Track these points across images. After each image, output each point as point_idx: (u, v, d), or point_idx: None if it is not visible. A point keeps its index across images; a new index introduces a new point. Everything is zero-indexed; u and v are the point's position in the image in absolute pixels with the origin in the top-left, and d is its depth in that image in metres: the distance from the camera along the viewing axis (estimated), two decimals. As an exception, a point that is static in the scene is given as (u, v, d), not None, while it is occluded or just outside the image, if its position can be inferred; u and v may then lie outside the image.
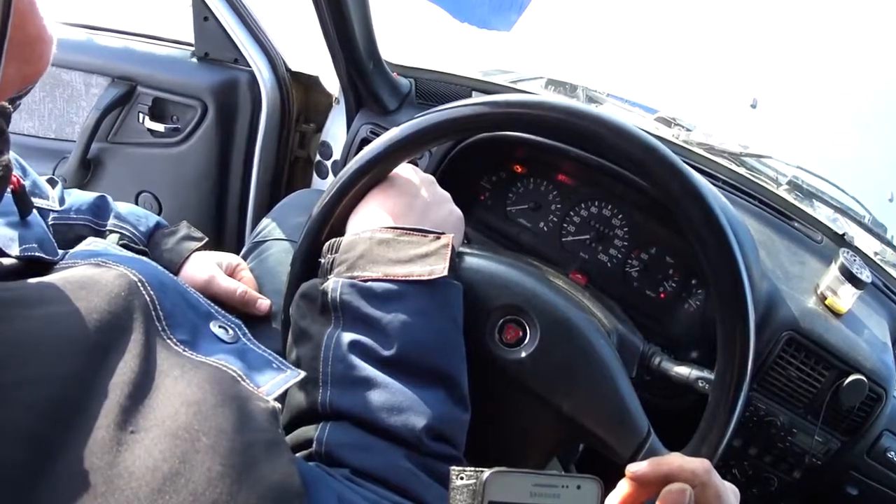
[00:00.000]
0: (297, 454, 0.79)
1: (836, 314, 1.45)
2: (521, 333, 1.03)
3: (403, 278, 0.88)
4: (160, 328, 0.66)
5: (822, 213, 1.80)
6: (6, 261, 0.72)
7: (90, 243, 0.90)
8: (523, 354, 1.02)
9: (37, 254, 0.75)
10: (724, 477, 1.44)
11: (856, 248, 1.67)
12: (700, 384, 1.06)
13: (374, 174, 1.02)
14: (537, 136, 1.38)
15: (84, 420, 0.53)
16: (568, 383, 1.02)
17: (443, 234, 0.93)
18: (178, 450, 0.55)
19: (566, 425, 1.04)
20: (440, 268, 0.89)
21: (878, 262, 1.74)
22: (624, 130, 0.94)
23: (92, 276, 0.66)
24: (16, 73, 0.53)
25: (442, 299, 0.92)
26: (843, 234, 1.68)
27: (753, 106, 2.23)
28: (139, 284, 0.68)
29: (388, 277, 0.88)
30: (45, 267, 0.74)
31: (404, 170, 1.05)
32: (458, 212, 1.06)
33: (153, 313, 0.67)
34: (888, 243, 1.87)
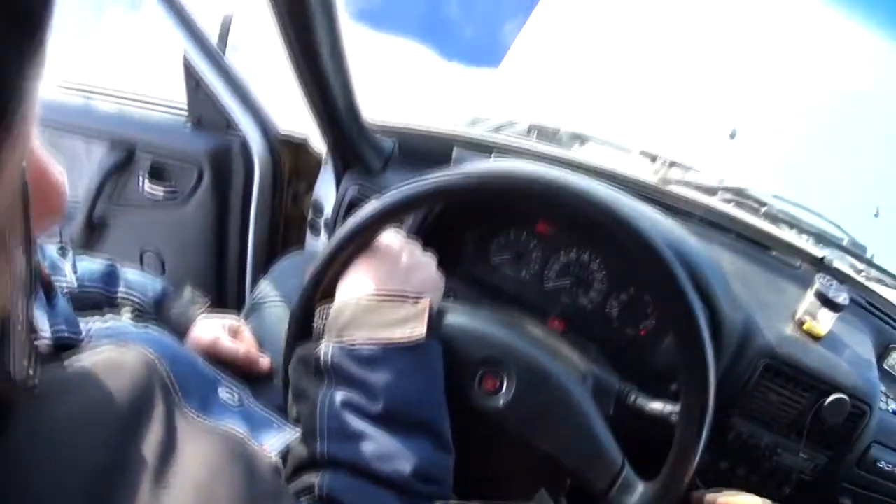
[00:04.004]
0: (301, 499, 0.88)
1: (816, 338, 1.49)
2: (498, 383, 1.12)
3: (386, 342, 0.97)
4: (177, 399, 0.77)
5: (800, 239, 1.83)
6: (40, 343, 0.80)
7: (108, 321, 0.99)
8: (501, 402, 1.11)
9: (66, 334, 0.84)
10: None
11: (835, 269, 1.71)
12: (673, 418, 1.12)
13: (359, 243, 1.09)
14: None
15: (127, 479, 0.65)
16: (544, 427, 1.11)
17: (421, 297, 1.03)
18: (200, 502, 0.66)
19: (545, 464, 1.13)
20: (419, 330, 0.98)
21: (862, 279, 1.78)
22: (582, 194, 1.01)
23: (116, 359, 0.76)
24: (38, 222, 0.59)
25: (422, 359, 1.00)
26: (822, 258, 1.72)
27: (732, 136, 2.26)
28: (156, 362, 0.78)
29: (373, 341, 0.97)
30: (73, 346, 0.83)
31: (388, 237, 1.13)
32: (437, 274, 1.14)
33: (170, 387, 0.77)
34: (868, 262, 1.89)
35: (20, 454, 0.62)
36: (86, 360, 0.75)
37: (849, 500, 1.53)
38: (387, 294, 1.03)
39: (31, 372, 0.60)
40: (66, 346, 0.83)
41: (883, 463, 1.49)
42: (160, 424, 0.71)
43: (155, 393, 0.74)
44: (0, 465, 0.61)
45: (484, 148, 1.81)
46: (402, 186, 1.09)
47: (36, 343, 0.72)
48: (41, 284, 0.89)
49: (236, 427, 0.81)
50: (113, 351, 0.78)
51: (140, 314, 1.32)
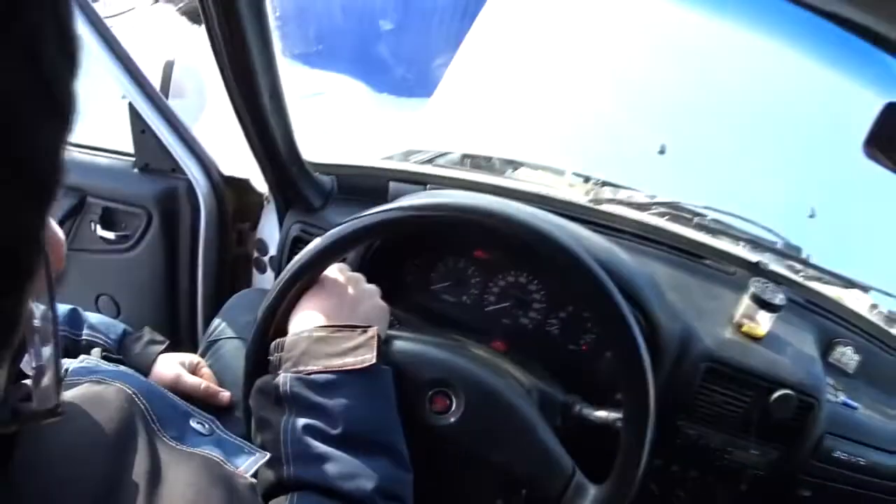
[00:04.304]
0: None
1: (756, 338, 1.55)
2: (448, 402, 1.17)
3: (340, 369, 1.03)
4: (156, 429, 0.83)
5: (734, 246, 1.88)
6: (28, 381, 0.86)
7: (83, 360, 1.03)
8: (452, 420, 1.17)
9: None
10: (671, 500, 1.55)
11: (771, 272, 1.76)
12: (618, 424, 1.17)
13: (307, 279, 1.15)
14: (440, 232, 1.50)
15: (122, 500, 0.72)
16: (494, 439, 1.17)
17: (369, 327, 1.08)
18: None
19: (498, 475, 1.19)
20: (370, 357, 1.04)
21: (800, 279, 1.82)
22: (508, 219, 1.09)
23: (99, 393, 0.83)
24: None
25: (374, 383, 1.07)
26: (758, 263, 1.76)
27: (662, 152, 2.30)
28: (134, 396, 0.85)
29: (328, 369, 1.03)
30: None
31: (333, 272, 1.20)
32: (382, 304, 1.20)
33: (149, 418, 0.84)
34: (804, 262, 1.94)
35: (24, 480, 0.69)
36: (69, 395, 0.81)
37: (807, 492, 1.58)
38: (337, 325, 1.09)
39: (59, 399, 0.64)
40: None
41: (839, 453, 1.54)
42: (144, 451, 0.78)
43: (136, 423, 0.81)
44: (6, 489, 0.67)
45: (419, 181, 1.85)
46: (343, 224, 1.15)
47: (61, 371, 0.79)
48: None
49: (213, 453, 0.87)
50: (93, 386, 0.85)
51: (108, 355, 1.36)
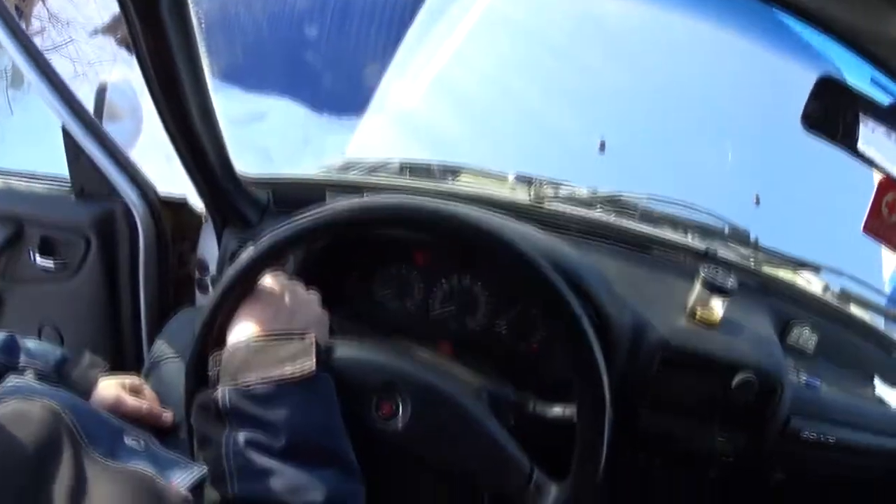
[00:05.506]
0: None
1: (711, 325, 1.53)
2: (394, 406, 1.15)
3: (279, 379, 1.00)
4: (83, 445, 0.80)
5: (681, 235, 1.88)
6: None
7: (13, 381, 1.00)
8: (400, 425, 1.14)
9: None
10: (641, 493, 1.54)
11: (720, 258, 1.74)
12: (574, 419, 1.15)
13: (241, 290, 1.12)
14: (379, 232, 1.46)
15: None
16: (444, 442, 1.15)
17: (307, 334, 1.05)
18: None
19: (458, 482, 1.19)
20: (309, 364, 1.01)
21: (751, 264, 1.83)
22: (447, 214, 1.07)
23: (23, 410, 0.81)
24: None
25: (315, 390, 1.04)
26: (706, 250, 1.76)
27: (602, 148, 2.30)
28: (61, 413, 0.82)
29: (266, 380, 1.00)
30: None
31: (268, 280, 1.15)
32: (320, 310, 1.18)
33: (76, 434, 0.81)
34: (752, 246, 1.94)
35: None
36: None
37: (781, 474, 1.59)
38: (273, 333, 1.06)
39: None
40: None
41: (807, 433, 1.54)
42: (68, 468, 0.75)
43: (62, 440, 0.78)
44: None
45: (356, 190, 1.83)
46: (274, 231, 1.12)
47: None
48: None
49: (145, 468, 0.84)
50: (19, 403, 0.82)
51: (43, 378, 1.30)
